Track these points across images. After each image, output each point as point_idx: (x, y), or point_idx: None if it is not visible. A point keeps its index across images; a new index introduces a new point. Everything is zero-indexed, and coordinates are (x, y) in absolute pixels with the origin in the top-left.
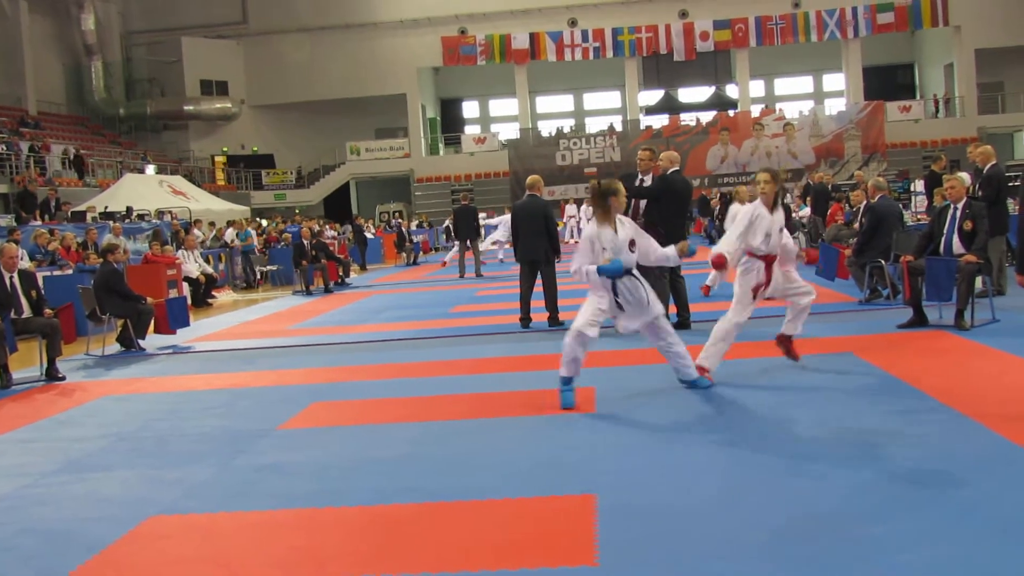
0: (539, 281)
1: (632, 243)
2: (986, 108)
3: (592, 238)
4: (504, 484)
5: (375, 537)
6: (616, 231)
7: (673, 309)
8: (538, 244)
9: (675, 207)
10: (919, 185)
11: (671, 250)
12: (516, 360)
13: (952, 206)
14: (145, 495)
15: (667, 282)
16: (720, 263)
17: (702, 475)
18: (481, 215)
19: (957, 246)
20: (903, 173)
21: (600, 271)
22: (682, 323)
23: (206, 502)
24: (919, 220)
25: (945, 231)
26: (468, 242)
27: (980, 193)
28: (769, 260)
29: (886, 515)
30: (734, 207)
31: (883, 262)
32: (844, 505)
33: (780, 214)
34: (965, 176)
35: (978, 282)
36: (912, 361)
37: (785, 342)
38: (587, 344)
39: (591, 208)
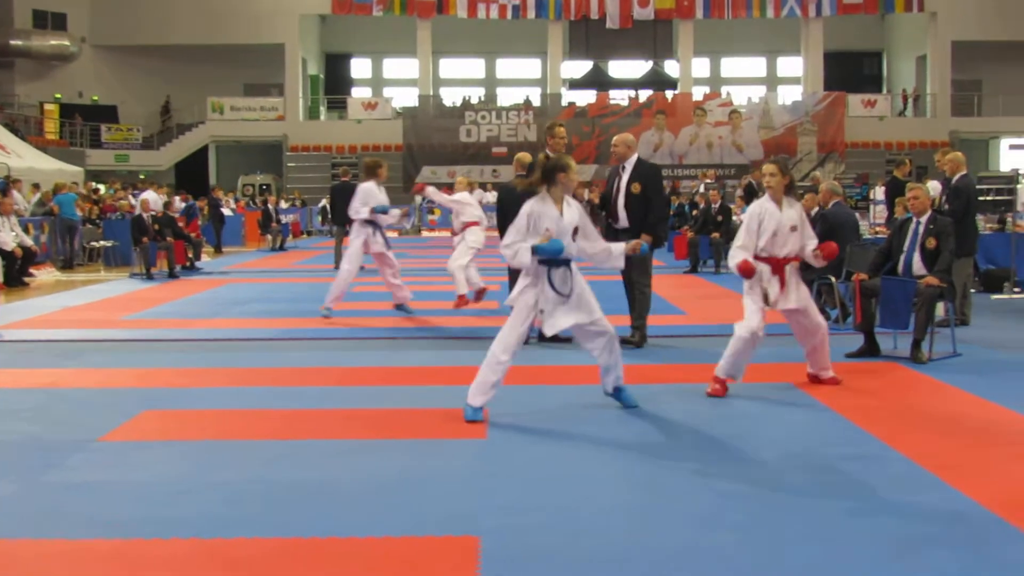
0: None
1: (576, 231)
2: (960, 109)
3: (531, 215)
4: (372, 520)
5: None
6: (562, 213)
7: (628, 320)
8: None
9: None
10: (879, 192)
11: (619, 247)
12: (397, 371)
13: (914, 219)
14: None
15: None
16: (747, 269)
17: (605, 516)
18: None
19: (918, 266)
20: (862, 177)
21: (536, 250)
22: (634, 339)
23: (4, 525)
24: (877, 233)
25: (905, 248)
26: (347, 227)
27: (947, 207)
28: (777, 263)
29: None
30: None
31: (833, 280)
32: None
33: (793, 211)
34: (932, 185)
35: (939, 309)
36: (859, 396)
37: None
38: (504, 371)
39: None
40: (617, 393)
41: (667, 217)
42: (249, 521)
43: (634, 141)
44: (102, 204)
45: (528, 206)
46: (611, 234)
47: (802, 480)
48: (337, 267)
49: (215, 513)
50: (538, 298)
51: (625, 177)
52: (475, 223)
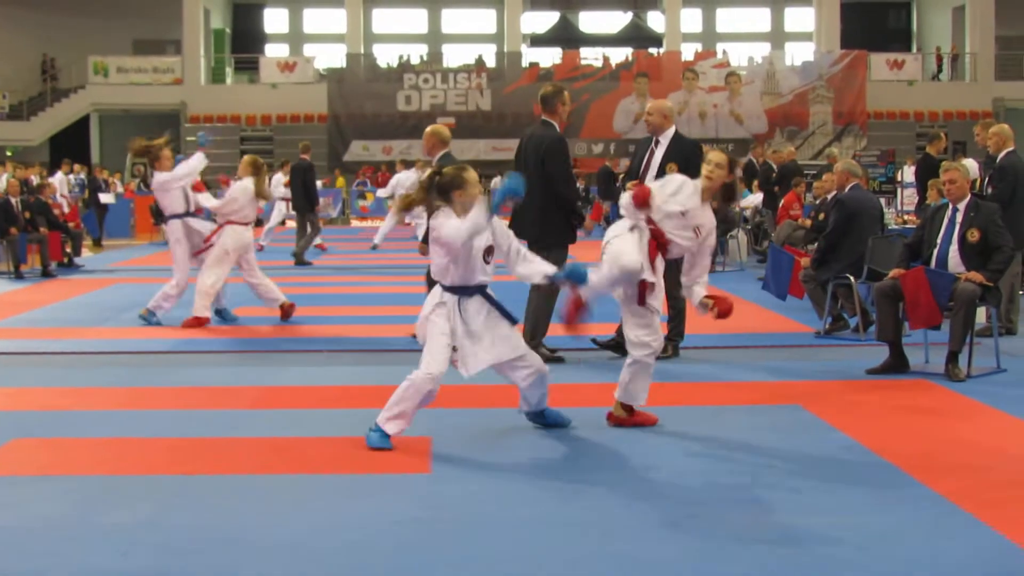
0: None
1: (489, 251)
2: (1006, 72)
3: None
4: (282, 570)
5: None
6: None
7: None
8: None
9: None
10: (908, 173)
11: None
12: (324, 392)
13: (950, 207)
14: None
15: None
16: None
17: (569, 569)
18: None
19: (954, 262)
20: (887, 155)
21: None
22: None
23: None
24: (905, 222)
25: (938, 240)
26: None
27: (990, 190)
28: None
29: None
30: None
31: (852, 279)
32: None
33: (706, 218)
34: (971, 165)
35: (980, 315)
36: (881, 422)
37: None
38: (430, 398)
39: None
40: (541, 416)
41: None
42: (138, 574)
43: (672, 111)
44: None
45: (431, 229)
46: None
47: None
48: (298, 262)
49: (98, 564)
50: (452, 329)
51: (659, 153)
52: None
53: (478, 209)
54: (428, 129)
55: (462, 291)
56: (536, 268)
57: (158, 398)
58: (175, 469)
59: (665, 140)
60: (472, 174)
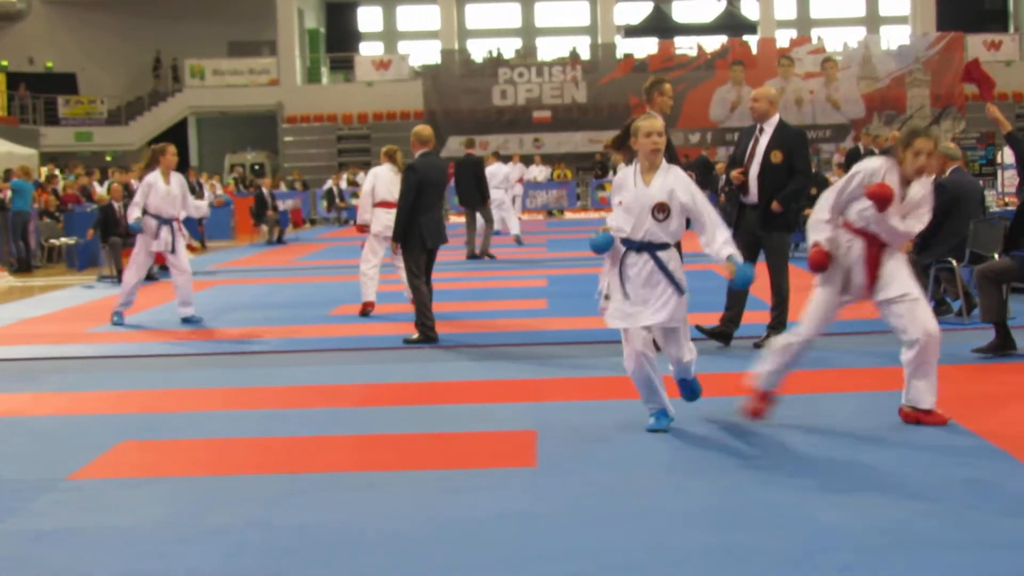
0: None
1: (661, 207)
2: None
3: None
4: (396, 571)
5: None
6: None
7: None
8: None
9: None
10: (1007, 155)
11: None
12: (424, 387)
13: None
14: None
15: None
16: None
17: (676, 562)
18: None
19: None
20: (987, 137)
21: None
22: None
23: None
24: (1007, 205)
25: None
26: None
27: None
28: (872, 240)
29: None
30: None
31: (954, 263)
32: None
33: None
34: None
35: None
36: (987, 405)
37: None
38: (653, 363)
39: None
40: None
41: (801, 195)
42: (249, 574)
43: (777, 97)
44: (62, 193)
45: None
46: (733, 208)
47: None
48: (471, 255)
49: (211, 567)
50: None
51: (764, 141)
52: None
53: None
54: (414, 131)
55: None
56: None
57: (259, 397)
58: (279, 468)
59: (769, 128)
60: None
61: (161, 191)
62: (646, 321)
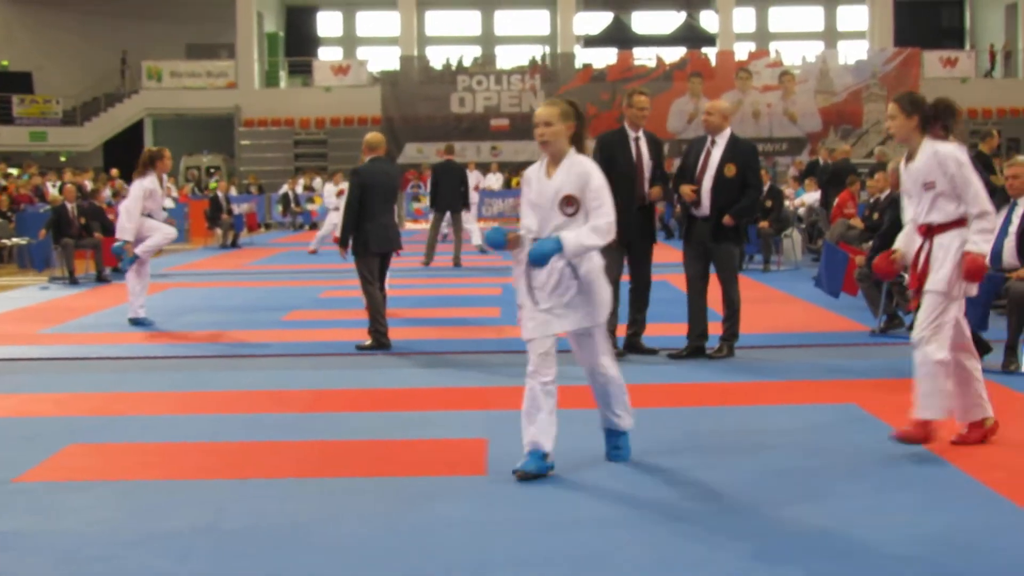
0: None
1: (568, 200)
2: None
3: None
4: (346, 573)
5: None
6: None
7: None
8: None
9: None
10: None
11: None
12: (375, 394)
13: (1012, 201)
14: None
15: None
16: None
17: (621, 570)
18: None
19: (1009, 256)
20: None
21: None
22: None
23: None
24: None
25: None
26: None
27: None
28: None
29: None
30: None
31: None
32: None
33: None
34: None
35: None
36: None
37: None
38: (548, 389)
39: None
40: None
41: (754, 210)
42: None
43: (730, 111)
44: (14, 193)
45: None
46: (686, 220)
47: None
48: (428, 261)
49: (158, 572)
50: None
51: (717, 155)
52: None
53: None
54: (365, 138)
55: None
56: None
57: (209, 401)
58: (228, 473)
59: (722, 141)
60: None
61: (159, 196)
62: (556, 328)
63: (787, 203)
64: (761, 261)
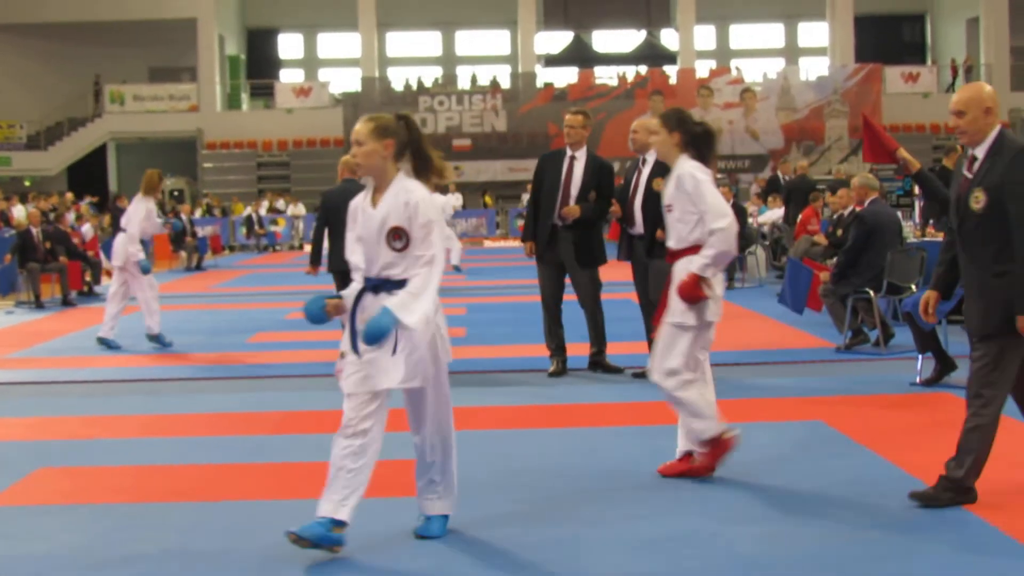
0: None
1: (395, 233)
2: (1021, 83)
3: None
4: None
5: None
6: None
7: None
8: None
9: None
10: None
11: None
12: (340, 416)
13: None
14: None
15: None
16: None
17: None
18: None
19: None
20: (904, 168)
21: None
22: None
23: None
24: (923, 236)
25: None
26: None
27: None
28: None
29: None
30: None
31: (872, 293)
32: None
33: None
34: None
35: None
36: (904, 436)
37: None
38: (367, 447)
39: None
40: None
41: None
42: None
43: (659, 128)
44: None
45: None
46: (625, 239)
47: None
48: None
49: None
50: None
51: (646, 172)
52: None
53: None
54: (341, 160)
55: None
56: None
57: (178, 424)
58: (196, 496)
59: (652, 159)
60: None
61: (154, 219)
62: (380, 384)
63: (750, 220)
64: (726, 278)
